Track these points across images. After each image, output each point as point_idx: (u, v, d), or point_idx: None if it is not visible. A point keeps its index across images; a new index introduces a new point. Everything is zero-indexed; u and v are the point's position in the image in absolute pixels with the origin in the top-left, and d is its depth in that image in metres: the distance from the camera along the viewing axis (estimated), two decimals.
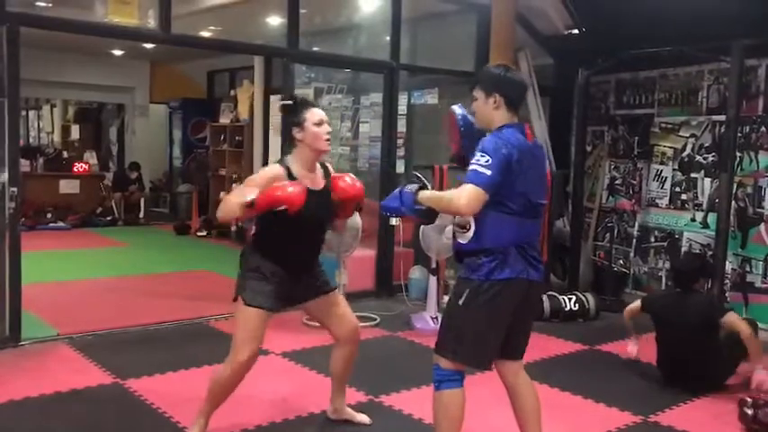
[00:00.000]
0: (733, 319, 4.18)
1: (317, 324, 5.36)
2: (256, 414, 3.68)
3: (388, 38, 6.53)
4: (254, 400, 3.87)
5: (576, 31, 6.90)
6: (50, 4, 7.03)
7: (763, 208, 5.57)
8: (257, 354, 3.17)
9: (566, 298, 5.94)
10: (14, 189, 4.52)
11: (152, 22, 5.10)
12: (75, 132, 14.57)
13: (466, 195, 2.60)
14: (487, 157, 2.61)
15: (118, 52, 11.51)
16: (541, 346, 5.14)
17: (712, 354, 4.18)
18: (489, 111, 2.80)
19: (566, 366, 4.76)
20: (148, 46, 10.49)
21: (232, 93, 10.95)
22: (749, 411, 3.70)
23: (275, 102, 9.61)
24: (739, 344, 4.21)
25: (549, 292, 6.01)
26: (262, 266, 3.12)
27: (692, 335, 4.17)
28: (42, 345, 4.73)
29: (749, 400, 3.79)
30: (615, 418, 3.81)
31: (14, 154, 4.58)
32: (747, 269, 5.66)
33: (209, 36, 8.29)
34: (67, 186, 10.88)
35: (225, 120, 10.76)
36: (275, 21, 8.12)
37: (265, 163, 9.96)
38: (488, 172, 2.60)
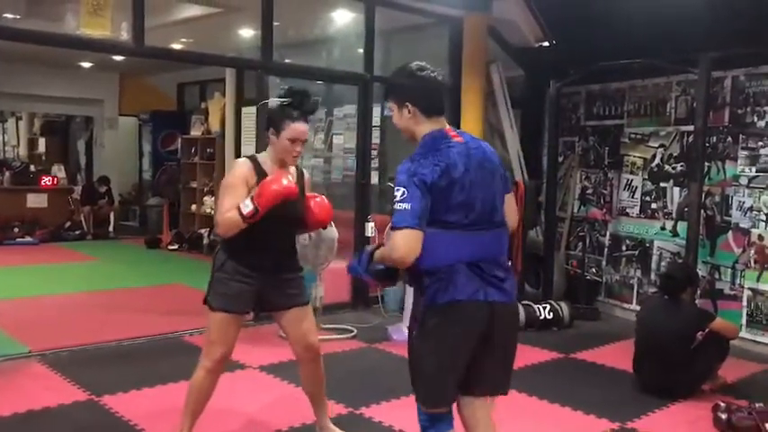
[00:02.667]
0: (720, 324, 4.36)
1: None
2: (235, 429, 3.65)
3: (361, 50, 6.56)
4: (233, 414, 3.85)
5: (546, 44, 7.00)
6: (18, 16, 6.95)
7: (730, 216, 5.69)
8: (227, 356, 3.18)
9: (540, 307, 6.00)
10: None
11: (125, 35, 5.06)
12: (41, 145, 14.36)
13: (398, 245, 2.30)
14: (402, 190, 2.33)
15: (86, 64, 11.39)
16: (518, 354, 5.17)
17: (691, 360, 4.26)
18: (407, 123, 2.48)
19: (543, 374, 4.80)
20: (118, 58, 10.39)
21: (203, 105, 10.89)
22: (723, 416, 3.78)
23: (247, 114, 9.64)
24: (715, 349, 4.33)
25: (524, 302, 6.07)
26: (226, 264, 3.08)
27: (676, 342, 4.25)
28: (13, 362, 4.64)
29: (722, 404, 3.87)
30: (593, 426, 3.86)
31: None
32: (716, 276, 5.77)
33: (182, 48, 8.24)
34: (35, 200, 10.70)
35: (196, 132, 10.69)
36: (247, 33, 8.12)
37: None
38: (408, 206, 2.30)
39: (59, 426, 3.68)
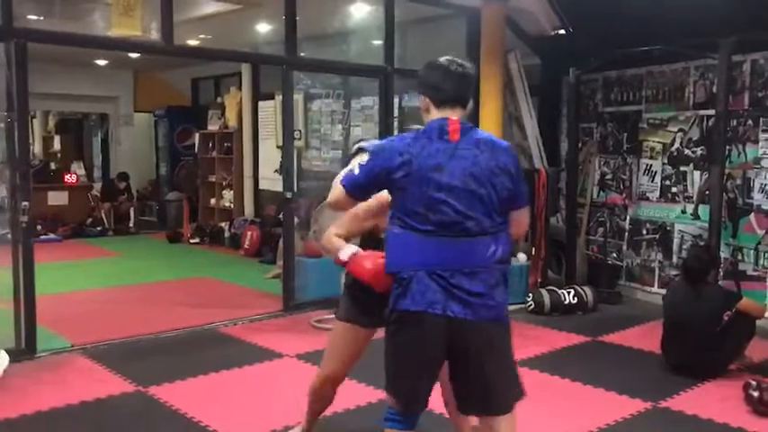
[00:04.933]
0: (746, 304, 4.47)
1: (326, 326, 5.50)
2: (280, 417, 3.76)
3: (377, 42, 6.64)
4: (277, 403, 3.96)
5: (562, 32, 7.06)
6: (42, 18, 7.05)
7: (752, 198, 5.77)
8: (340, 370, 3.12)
9: (564, 292, 6.10)
10: (26, 203, 4.56)
11: (155, 34, 5.16)
12: (56, 143, 14.47)
13: (331, 195, 2.49)
14: (366, 158, 2.44)
15: (101, 62, 11.48)
16: (547, 339, 5.31)
17: (719, 341, 4.36)
18: (425, 115, 2.43)
19: (573, 358, 4.91)
20: (133, 55, 10.48)
21: (219, 100, 10.99)
22: (755, 393, 3.87)
23: (264, 108, 9.75)
24: (742, 329, 4.44)
25: (549, 287, 6.18)
26: (352, 286, 3.01)
27: (704, 325, 4.36)
28: (58, 356, 4.77)
29: (753, 382, 3.96)
30: (628, 406, 3.96)
31: (25, 168, 4.63)
32: (739, 258, 5.85)
33: (210, 47, 8.31)
34: (56, 198, 10.83)
35: (213, 127, 10.80)
36: (263, 28, 8.21)
37: (256, 168, 10.06)
38: (357, 172, 2.39)
39: (113, 416, 3.81)
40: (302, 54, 7.70)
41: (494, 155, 2.32)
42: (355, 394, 4.03)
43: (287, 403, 3.93)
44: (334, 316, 3.21)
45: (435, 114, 2.37)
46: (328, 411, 3.77)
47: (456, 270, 2.25)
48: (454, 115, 2.35)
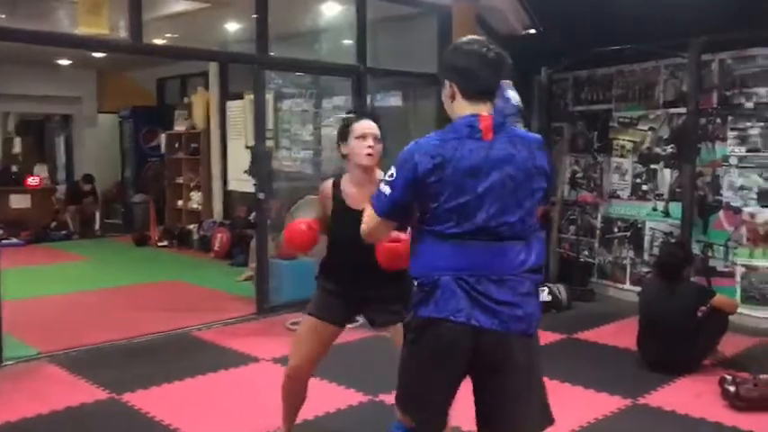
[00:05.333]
0: (720, 300, 4.54)
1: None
2: (259, 422, 3.70)
3: (348, 41, 6.59)
4: (255, 408, 3.90)
5: (532, 31, 7.09)
6: (3, 15, 6.85)
7: (721, 195, 5.85)
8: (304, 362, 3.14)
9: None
10: None
11: (123, 33, 5.04)
12: (17, 145, 14.12)
13: (366, 224, 2.24)
14: (392, 171, 2.15)
15: (64, 62, 11.23)
16: None
17: (694, 337, 4.41)
18: (448, 103, 2.21)
19: (550, 355, 4.80)
20: (97, 55, 10.28)
21: (186, 100, 10.82)
22: (731, 388, 3.92)
23: (233, 108, 9.62)
24: (716, 325, 4.50)
25: None
26: (323, 283, 3.14)
27: (679, 321, 4.40)
28: (26, 364, 4.64)
29: (729, 377, 4.01)
30: (607, 403, 3.98)
31: None
32: (709, 254, 5.94)
33: (181, 45, 8.15)
34: (18, 201, 10.58)
35: (180, 127, 10.63)
36: (232, 27, 8.10)
37: (224, 169, 9.92)
38: (388, 191, 2.14)
39: (88, 424, 3.72)
40: (272, 53, 7.63)
41: (531, 154, 2.14)
42: (335, 397, 3.99)
43: (266, 408, 3.85)
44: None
45: (463, 107, 2.14)
46: (309, 414, 3.74)
47: (483, 276, 2.07)
48: (483, 109, 2.14)
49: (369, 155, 2.91)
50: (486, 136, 2.10)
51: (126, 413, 3.83)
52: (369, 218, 2.23)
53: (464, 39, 2.23)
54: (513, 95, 2.36)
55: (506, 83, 2.38)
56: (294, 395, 3.21)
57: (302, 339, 3.10)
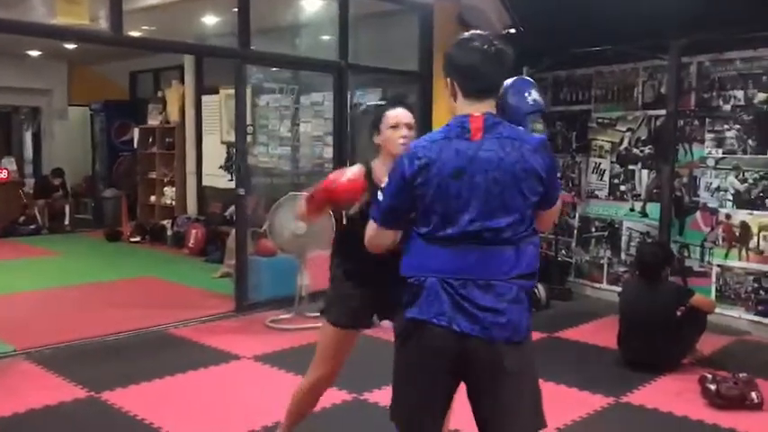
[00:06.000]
0: (699, 299, 4.60)
1: (282, 326, 5.39)
2: (241, 420, 3.65)
3: (330, 37, 6.54)
4: (237, 406, 3.85)
5: (513, 31, 7.11)
6: None
7: (698, 197, 5.93)
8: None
9: None
10: None
11: (103, 24, 4.94)
12: None
13: (367, 235, 2.19)
14: (387, 178, 2.16)
15: (34, 53, 11.00)
16: None
17: (673, 335, 4.46)
18: (451, 102, 2.15)
19: None
20: (69, 46, 10.08)
21: (160, 94, 10.66)
22: (712, 387, 3.97)
23: (208, 102, 9.51)
24: (694, 324, 4.56)
25: None
26: (343, 284, 2.92)
27: (659, 319, 4.44)
28: (0, 361, 4.52)
29: (709, 376, 4.06)
30: (591, 401, 4.01)
31: None
32: (686, 254, 6.01)
33: (158, 38, 8.04)
34: None
35: (154, 121, 10.47)
36: (210, 20, 8.00)
37: (199, 164, 9.81)
38: (381, 197, 2.14)
39: (67, 424, 3.64)
40: (253, 47, 7.55)
41: (521, 156, 2.03)
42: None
43: (249, 406, 3.82)
44: (320, 314, 3.07)
45: (463, 105, 2.08)
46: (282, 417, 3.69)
47: (470, 280, 2.01)
48: (481, 108, 2.07)
49: (403, 144, 2.75)
50: (475, 136, 2.03)
51: (106, 412, 3.75)
52: (369, 228, 2.18)
53: (466, 34, 2.14)
54: (534, 94, 2.28)
55: (528, 81, 2.31)
56: (310, 405, 3.11)
57: (330, 351, 2.93)
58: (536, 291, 6.15)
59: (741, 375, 4.03)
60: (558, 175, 6.97)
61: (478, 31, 2.13)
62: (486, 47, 2.07)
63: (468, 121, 2.05)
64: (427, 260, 2.05)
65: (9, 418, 3.62)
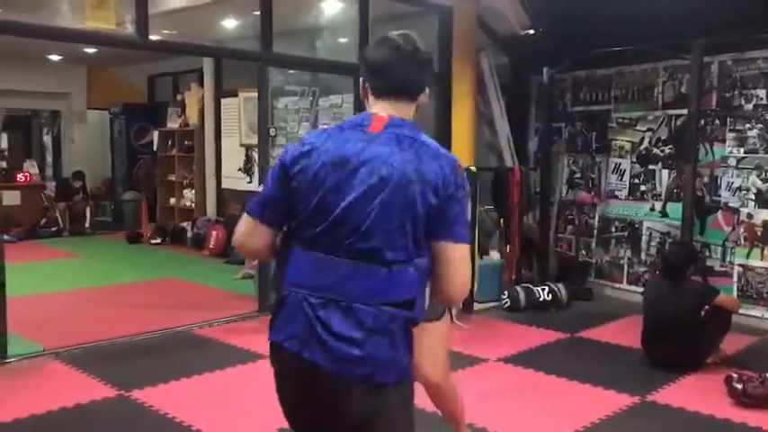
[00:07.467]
0: (724, 299, 4.61)
1: None
2: (262, 419, 3.67)
3: (348, 40, 6.57)
4: (260, 405, 3.86)
5: (532, 32, 7.13)
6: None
7: (719, 196, 5.92)
8: None
9: (539, 289, 6.17)
10: None
11: (129, 27, 5.00)
12: (4, 141, 13.94)
13: (237, 230, 1.85)
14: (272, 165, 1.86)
15: (54, 57, 11.11)
16: (524, 336, 5.35)
17: (698, 335, 4.46)
18: (366, 104, 1.88)
19: (555, 354, 4.96)
20: (88, 50, 10.19)
21: (179, 97, 10.76)
22: (738, 386, 3.97)
23: (227, 105, 9.58)
24: (719, 324, 4.55)
25: (524, 284, 6.24)
26: None
27: (683, 319, 4.44)
28: (30, 361, 4.59)
29: (735, 375, 4.06)
30: (616, 401, 4.01)
31: None
32: (707, 254, 6.00)
33: (184, 41, 8.09)
34: (8, 198, 10.42)
35: (173, 124, 10.57)
36: (230, 24, 8.06)
37: (218, 166, 9.87)
38: (261, 187, 1.86)
39: (99, 422, 3.69)
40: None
41: (418, 158, 1.72)
42: None
43: (275, 404, 3.85)
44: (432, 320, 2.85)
45: (375, 105, 1.82)
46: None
47: (332, 300, 1.68)
48: (392, 111, 1.80)
49: None
50: (373, 129, 1.75)
51: (137, 410, 3.81)
52: (242, 223, 1.82)
53: (388, 33, 1.87)
54: None
55: None
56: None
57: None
58: (557, 291, 6.18)
59: (767, 375, 4.03)
60: (579, 175, 7.08)
61: (404, 32, 1.86)
62: (401, 44, 1.81)
63: (370, 117, 1.79)
64: (293, 271, 1.74)
65: (43, 416, 3.68)
